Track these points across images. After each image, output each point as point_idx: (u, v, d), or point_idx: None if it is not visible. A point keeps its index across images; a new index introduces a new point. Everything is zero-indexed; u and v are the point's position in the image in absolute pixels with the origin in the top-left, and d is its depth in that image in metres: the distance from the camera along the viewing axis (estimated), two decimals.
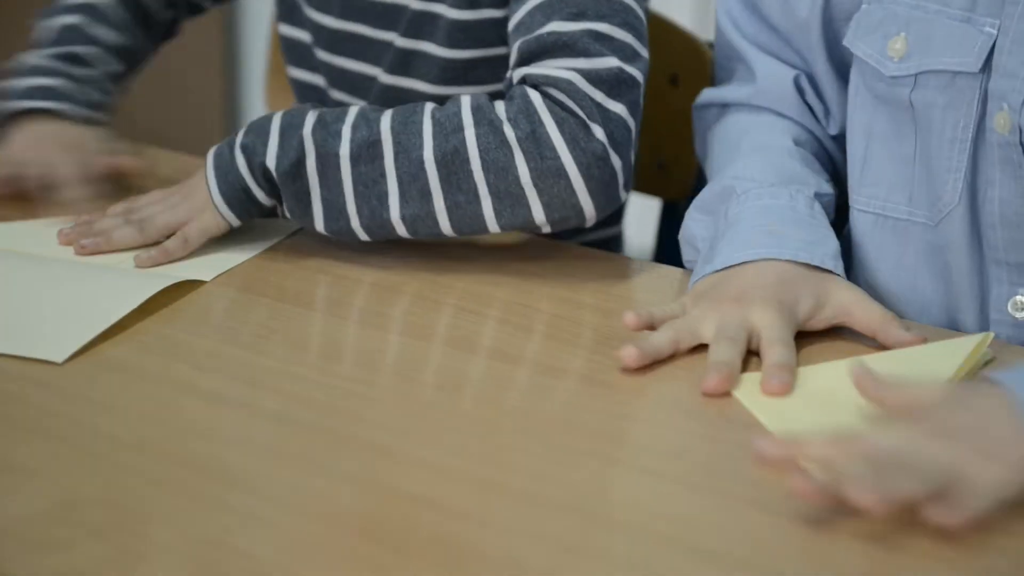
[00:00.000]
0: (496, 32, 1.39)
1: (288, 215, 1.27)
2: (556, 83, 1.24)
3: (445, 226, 1.25)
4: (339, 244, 1.29)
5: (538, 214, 1.24)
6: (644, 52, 1.27)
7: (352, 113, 1.26)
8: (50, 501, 0.90)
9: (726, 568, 0.86)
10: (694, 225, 1.23)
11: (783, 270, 1.12)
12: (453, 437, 1.00)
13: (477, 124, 1.23)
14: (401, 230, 1.26)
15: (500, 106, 1.25)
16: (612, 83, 1.24)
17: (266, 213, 1.29)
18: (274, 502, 0.91)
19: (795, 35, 1.27)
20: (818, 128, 1.28)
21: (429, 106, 1.26)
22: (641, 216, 1.89)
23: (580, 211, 1.24)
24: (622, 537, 0.89)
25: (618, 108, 1.24)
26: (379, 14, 1.43)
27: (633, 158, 1.26)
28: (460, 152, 1.23)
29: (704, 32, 1.63)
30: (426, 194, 1.24)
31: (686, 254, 1.26)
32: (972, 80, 1.13)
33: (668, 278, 1.27)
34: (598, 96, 1.23)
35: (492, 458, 0.98)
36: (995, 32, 1.11)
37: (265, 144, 1.26)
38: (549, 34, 1.25)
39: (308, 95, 1.54)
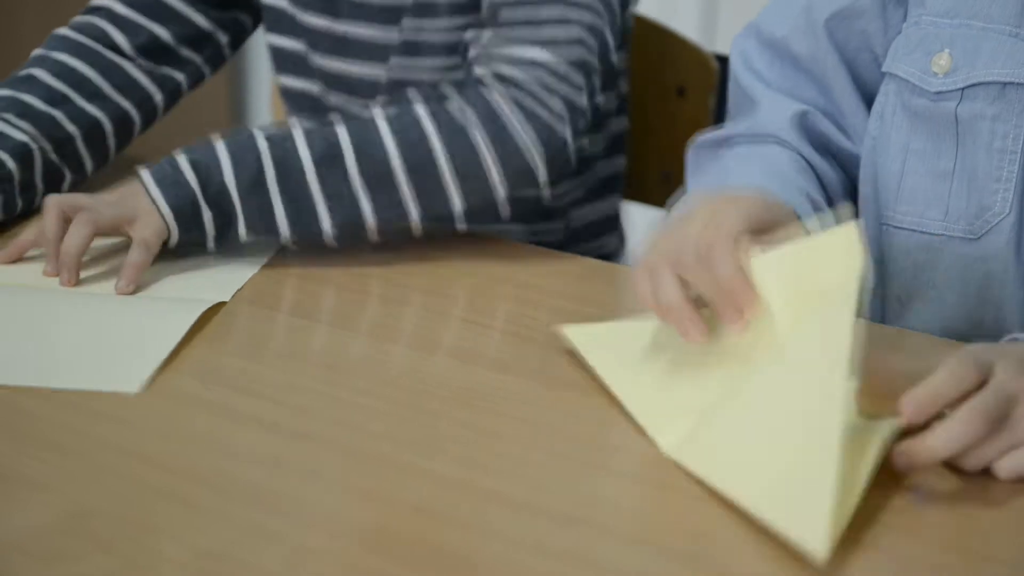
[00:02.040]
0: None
1: (246, 231, 1.28)
2: (504, 75, 1.30)
3: (415, 219, 1.29)
4: (336, 253, 1.29)
5: (500, 192, 1.30)
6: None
7: (299, 128, 1.29)
8: (58, 514, 0.90)
9: None
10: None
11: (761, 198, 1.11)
12: (458, 448, 1.00)
13: (434, 115, 1.29)
14: (372, 228, 1.29)
15: (453, 93, 1.30)
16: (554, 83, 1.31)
17: (195, 238, 1.28)
18: (280, 515, 0.92)
19: (816, 62, 1.26)
20: (817, 160, 1.27)
21: (377, 111, 1.30)
22: (646, 228, 1.88)
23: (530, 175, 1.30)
24: (627, 549, 0.89)
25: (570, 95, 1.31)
26: (379, 10, 1.44)
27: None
28: (423, 144, 1.28)
29: (710, 44, 1.63)
30: (392, 189, 1.28)
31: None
32: (1022, 91, 1.14)
33: None
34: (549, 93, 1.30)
35: (497, 469, 0.98)
36: None
37: (217, 161, 1.27)
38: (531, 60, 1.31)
39: (302, 103, 1.54)
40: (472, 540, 0.90)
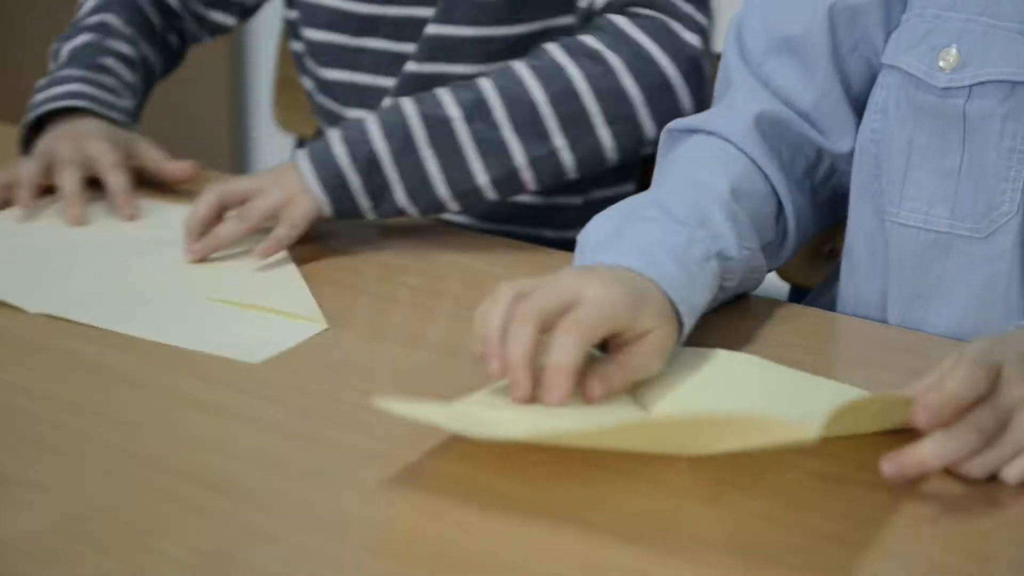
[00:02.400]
0: (534, 9, 1.43)
1: (403, 197, 1.30)
2: (640, 16, 1.33)
3: (568, 163, 1.32)
4: (336, 252, 1.29)
5: (648, 130, 1.33)
6: None
7: (443, 89, 1.30)
8: (57, 516, 0.90)
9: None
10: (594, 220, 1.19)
11: (637, 281, 1.07)
12: (459, 447, 1.00)
13: (576, 60, 1.31)
14: (528, 176, 1.31)
15: (589, 38, 1.32)
16: (694, 27, 1.35)
17: (352, 210, 1.30)
18: (281, 515, 0.92)
19: (810, 44, 1.25)
20: (773, 166, 1.24)
21: (516, 62, 1.32)
22: None
23: (678, 110, 1.33)
24: (632, 549, 0.89)
25: (694, 41, 1.34)
26: (395, 23, 1.45)
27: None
28: (569, 90, 1.30)
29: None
30: (544, 135, 1.29)
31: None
32: None
33: None
34: (683, 34, 1.34)
35: (501, 469, 0.97)
36: None
37: (365, 132, 1.28)
38: None
39: (349, 94, 1.54)
40: (478, 541, 0.90)
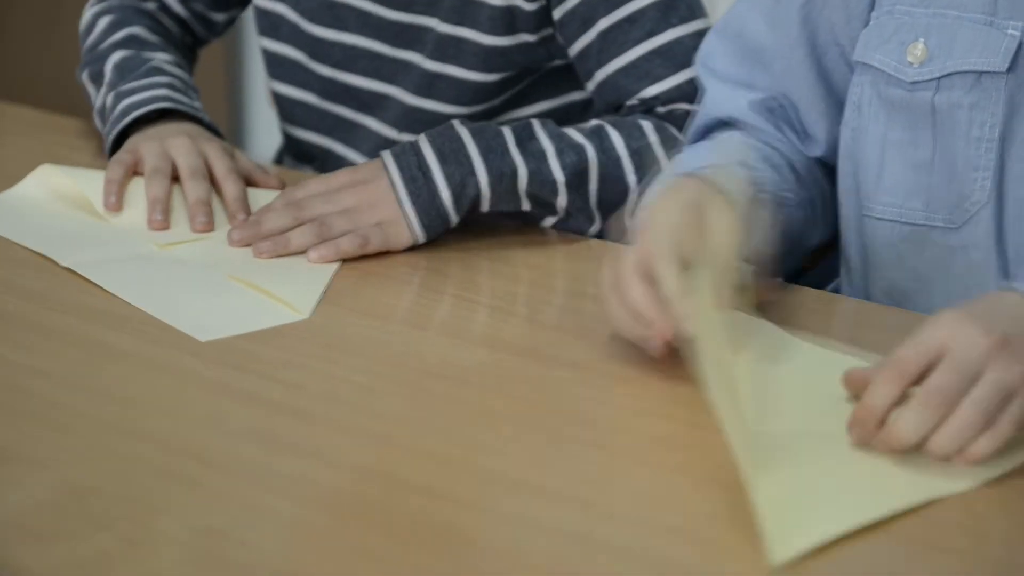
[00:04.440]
0: (529, 54, 1.42)
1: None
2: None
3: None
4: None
5: None
6: None
7: (543, 133, 1.30)
8: (56, 491, 0.90)
9: (728, 558, 0.86)
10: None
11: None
12: (456, 427, 1.00)
13: (669, 156, 1.31)
14: (590, 233, 1.34)
15: (680, 136, 1.33)
16: None
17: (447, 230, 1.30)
18: (278, 492, 0.92)
19: (780, 56, 1.26)
20: (783, 143, 1.26)
21: (613, 132, 1.32)
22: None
23: None
24: (623, 527, 0.89)
25: None
26: (398, 33, 1.44)
27: None
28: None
29: None
30: (620, 215, 1.29)
31: None
32: (998, 80, 1.14)
33: None
34: None
35: (495, 448, 0.98)
36: (1019, 34, 1.13)
37: (473, 174, 1.27)
38: (688, 82, 1.35)
39: (295, 110, 1.54)
40: (472, 519, 0.90)
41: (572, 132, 1.32)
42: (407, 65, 1.45)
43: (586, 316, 1.19)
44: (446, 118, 1.36)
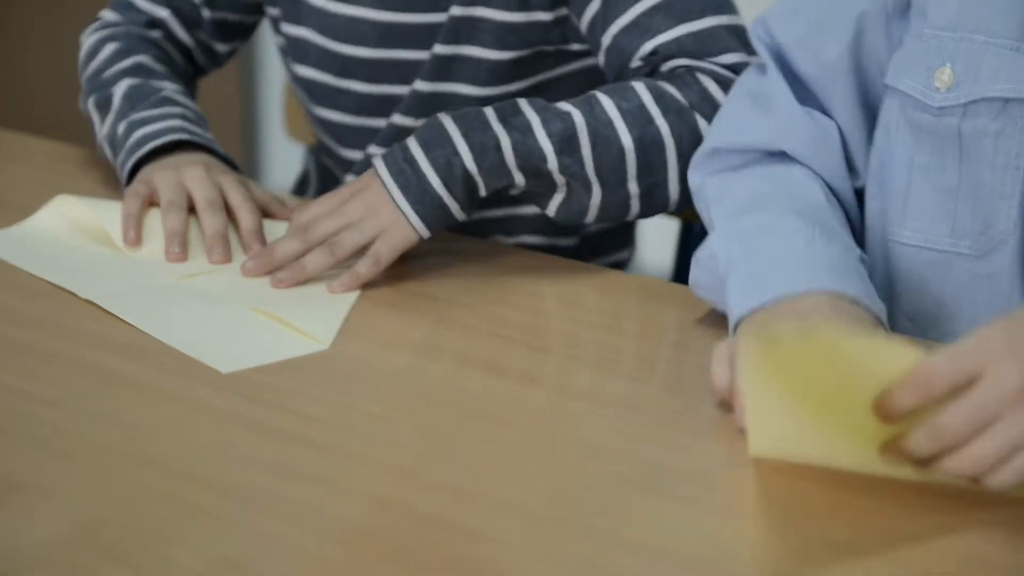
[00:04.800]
0: (543, 34, 1.41)
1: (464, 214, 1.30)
2: (716, 74, 1.32)
3: (635, 210, 1.32)
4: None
5: None
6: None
7: (529, 107, 1.29)
8: (69, 523, 0.90)
9: None
10: (718, 247, 1.19)
11: (838, 304, 1.09)
12: (471, 458, 1.00)
13: (666, 114, 1.30)
14: (593, 216, 1.32)
15: (676, 92, 1.31)
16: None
17: (452, 223, 1.30)
18: (293, 523, 0.91)
19: (822, 81, 1.24)
20: (839, 181, 1.25)
21: (603, 96, 1.30)
22: (660, 238, 1.89)
23: None
24: (639, 559, 0.89)
25: None
26: (414, 35, 1.44)
27: None
28: (656, 141, 1.29)
29: None
30: (622, 182, 1.29)
31: (700, 272, 1.21)
32: None
33: (687, 298, 1.27)
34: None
35: (510, 479, 0.97)
36: None
37: (457, 153, 1.27)
38: (687, 36, 1.33)
39: (334, 130, 1.54)
40: (483, 549, 0.90)
41: (560, 103, 1.31)
42: (418, 63, 1.45)
43: (600, 346, 1.19)
44: (464, 101, 1.37)
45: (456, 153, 1.27)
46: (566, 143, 1.28)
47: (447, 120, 1.29)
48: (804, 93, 1.25)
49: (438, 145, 1.28)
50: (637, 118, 1.29)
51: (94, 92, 1.49)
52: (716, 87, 1.32)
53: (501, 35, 1.41)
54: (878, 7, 1.20)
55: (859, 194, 1.26)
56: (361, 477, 0.98)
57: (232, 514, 0.92)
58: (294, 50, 1.53)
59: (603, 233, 1.56)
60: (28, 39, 2.75)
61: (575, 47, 1.44)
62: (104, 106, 1.46)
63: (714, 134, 1.27)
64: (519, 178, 1.29)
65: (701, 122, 1.30)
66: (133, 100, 1.44)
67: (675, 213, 1.42)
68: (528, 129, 1.28)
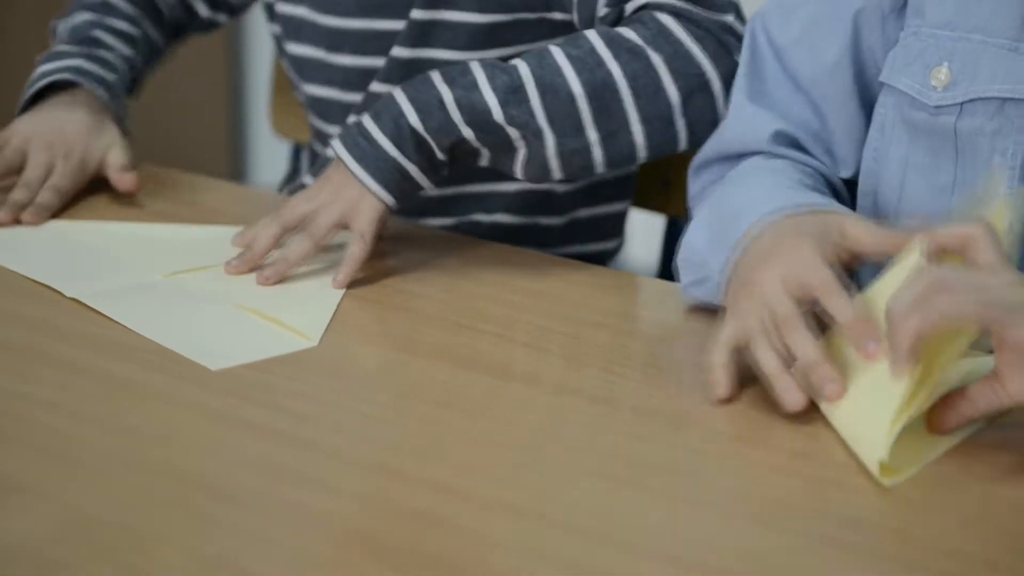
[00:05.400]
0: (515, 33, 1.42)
1: (448, 165, 1.31)
2: (678, 8, 1.31)
3: (599, 159, 1.31)
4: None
5: (682, 138, 1.31)
6: None
7: (477, 67, 1.29)
8: (59, 521, 0.90)
9: None
10: (693, 237, 1.22)
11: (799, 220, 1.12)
12: (458, 456, 1.00)
13: (617, 56, 1.29)
14: (555, 166, 1.30)
15: (630, 32, 1.30)
16: (721, 4, 1.32)
17: (417, 189, 1.30)
18: (279, 521, 0.92)
19: (820, 82, 1.25)
20: (815, 163, 1.25)
21: (553, 47, 1.30)
22: (645, 233, 1.89)
23: (714, 126, 1.30)
24: (626, 557, 0.89)
25: (730, 19, 1.32)
26: (391, 3, 1.44)
27: None
28: (608, 83, 1.28)
29: None
30: (579, 128, 1.28)
31: (685, 273, 1.24)
32: (1021, 107, 1.13)
33: (674, 294, 1.28)
34: (716, 16, 1.31)
35: (497, 477, 0.98)
36: None
37: (403, 115, 1.28)
38: None
39: (321, 107, 1.54)
40: (473, 548, 0.90)
41: (513, 60, 1.31)
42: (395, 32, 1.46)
43: (591, 344, 1.19)
44: (442, 66, 1.37)
45: (402, 115, 1.28)
46: (512, 94, 1.28)
47: (396, 89, 1.30)
48: (797, 95, 1.25)
49: (386, 111, 1.29)
50: (586, 63, 1.29)
51: (55, 21, 1.57)
52: (674, 22, 1.31)
53: None
54: (874, 5, 1.21)
55: (851, 189, 1.27)
56: (352, 476, 0.98)
57: (222, 513, 0.92)
58: (288, 29, 1.54)
59: (591, 218, 1.55)
60: (26, 38, 2.74)
61: (557, 16, 1.42)
62: (53, 36, 1.56)
63: (707, 144, 1.29)
64: (468, 132, 1.28)
65: (655, 57, 1.29)
66: (71, 34, 1.53)
67: (654, 158, 1.37)
68: (473, 85, 1.28)
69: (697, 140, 1.30)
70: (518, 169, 1.32)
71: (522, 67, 1.29)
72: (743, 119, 1.26)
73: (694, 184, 1.31)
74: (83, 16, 1.55)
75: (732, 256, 1.13)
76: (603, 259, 1.57)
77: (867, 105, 1.24)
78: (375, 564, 0.88)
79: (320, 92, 1.53)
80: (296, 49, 1.53)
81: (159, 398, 1.07)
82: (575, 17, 1.39)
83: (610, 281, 1.33)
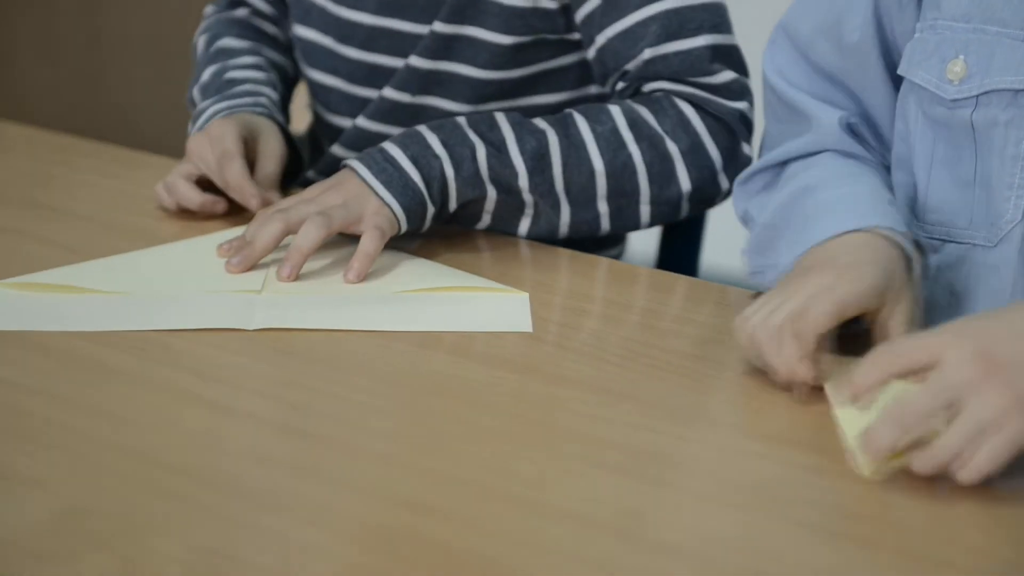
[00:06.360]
0: (548, 21, 1.43)
1: (453, 215, 1.34)
2: (697, 98, 1.36)
3: (604, 227, 1.36)
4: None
5: (683, 215, 1.38)
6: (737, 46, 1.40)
7: (505, 122, 1.33)
8: (52, 511, 0.90)
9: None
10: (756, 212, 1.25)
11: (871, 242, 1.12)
12: (456, 446, 1.00)
13: (638, 140, 1.34)
14: (563, 232, 1.36)
15: (652, 118, 1.35)
16: (737, 91, 1.37)
17: (419, 229, 1.32)
18: (278, 512, 0.91)
19: (850, 67, 1.25)
20: (877, 156, 1.26)
21: (578, 117, 1.34)
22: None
23: (714, 201, 1.39)
24: (625, 546, 0.89)
25: (744, 106, 1.37)
26: (419, 7, 1.44)
27: None
28: (628, 166, 1.34)
29: None
30: (592, 201, 1.34)
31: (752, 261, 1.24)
32: None
33: (674, 286, 1.28)
34: (732, 104, 1.36)
35: (495, 466, 0.97)
36: None
37: (436, 157, 1.30)
38: (675, 54, 1.36)
39: (325, 95, 1.54)
40: (471, 538, 0.89)
41: (536, 120, 1.34)
42: (417, 37, 1.46)
43: (588, 334, 1.19)
44: (461, 82, 1.41)
45: (436, 156, 1.30)
46: (538, 161, 1.32)
47: (424, 130, 1.32)
48: (832, 87, 1.26)
49: (418, 149, 1.31)
50: (610, 143, 1.34)
51: (193, 85, 1.56)
52: (692, 111, 1.36)
53: (507, 19, 1.42)
54: None
55: None
56: (348, 466, 0.97)
57: (217, 503, 0.92)
58: (297, 9, 1.55)
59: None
60: (17, 35, 2.74)
61: (576, 36, 1.45)
62: (191, 104, 1.56)
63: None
64: (491, 191, 1.32)
65: (672, 147, 1.34)
66: (204, 92, 1.53)
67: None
68: (503, 144, 1.32)
69: (695, 216, 1.40)
70: (523, 230, 1.36)
71: (550, 134, 1.33)
72: (816, 115, 1.26)
73: (740, 194, 1.30)
74: (209, 70, 1.54)
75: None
76: None
77: (898, 84, 1.24)
78: (372, 554, 0.88)
79: (325, 80, 1.53)
80: (303, 32, 1.54)
81: (152, 388, 1.07)
82: (591, 55, 1.42)
83: (607, 271, 1.33)
